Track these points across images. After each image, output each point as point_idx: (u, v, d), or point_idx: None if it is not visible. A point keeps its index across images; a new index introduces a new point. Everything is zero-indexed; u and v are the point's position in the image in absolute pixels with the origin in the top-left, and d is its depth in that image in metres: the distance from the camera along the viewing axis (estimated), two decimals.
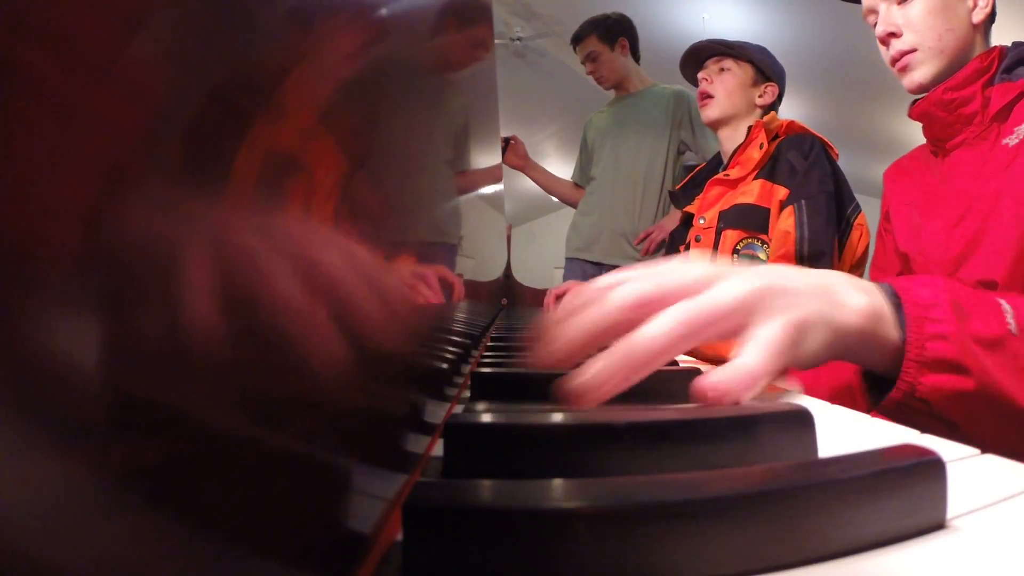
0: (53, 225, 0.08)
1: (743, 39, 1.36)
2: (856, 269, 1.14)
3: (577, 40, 2.05)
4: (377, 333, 0.23)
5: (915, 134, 0.83)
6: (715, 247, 1.24)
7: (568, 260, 2.03)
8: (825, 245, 1.10)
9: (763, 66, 1.31)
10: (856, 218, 1.16)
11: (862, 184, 1.26)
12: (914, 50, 0.77)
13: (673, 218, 1.94)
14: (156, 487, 0.09)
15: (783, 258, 1.12)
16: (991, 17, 0.78)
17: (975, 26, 0.76)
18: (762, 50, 1.33)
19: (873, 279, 0.93)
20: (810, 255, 1.10)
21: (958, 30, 0.75)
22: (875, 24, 0.82)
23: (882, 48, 0.82)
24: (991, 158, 0.72)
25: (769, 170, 1.20)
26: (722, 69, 1.31)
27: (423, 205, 0.35)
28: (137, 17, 0.09)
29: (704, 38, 1.37)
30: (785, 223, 1.13)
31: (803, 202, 1.12)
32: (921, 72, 0.77)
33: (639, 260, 1.89)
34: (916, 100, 0.82)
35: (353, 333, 0.20)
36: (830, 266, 1.09)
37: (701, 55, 1.35)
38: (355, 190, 0.20)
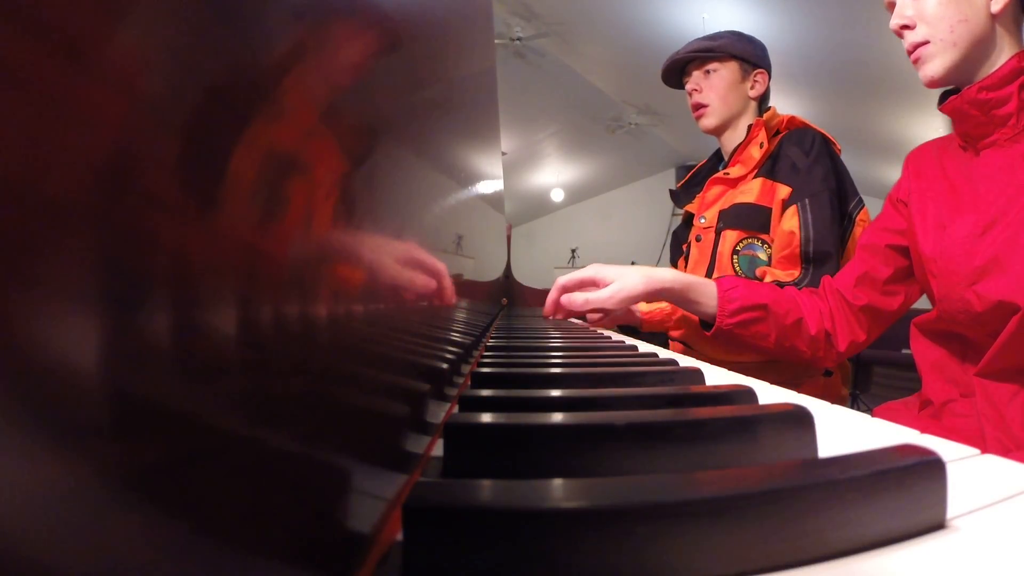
0: (52, 224, 0.08)
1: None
2: None
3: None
4: (378, 332, 0.23)
5: (917, 135, 0.81)
6: (715, 246, 1.23)
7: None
8: (832, 246, 1.07)
9: (746, 55, 1.26)
10: (859, 213, 1.13)
11: (863, 184, 1.24)
12: (926, 42, 0.74)
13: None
14: (157, 487, 0.09)
15: (787, 259, 1.10)
16: (1021, 6, 0.73)
17: (994, 16, 0.72)
18: (738, 37, 1.28)
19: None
20: (816, 257, 1.07)
21: (973, 21, 0.72)
22: None
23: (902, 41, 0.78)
24: None
25: (770, 168, 1.18)
26: (708, 72, 1.27)
27: (420, 204, 0.35)
28: (138, 15, 0.09)
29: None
30: (789, 223, 1.11)
31: (807, 201, 1.10)
32: (933, 65, 0.74)
33: None
34: (946, 93, 0.78)
35: (354, 333, 0.20)
36: (836, 269, 1.04)
37: (682, 64, 1.30)
38: (351, 189, 0.20)
